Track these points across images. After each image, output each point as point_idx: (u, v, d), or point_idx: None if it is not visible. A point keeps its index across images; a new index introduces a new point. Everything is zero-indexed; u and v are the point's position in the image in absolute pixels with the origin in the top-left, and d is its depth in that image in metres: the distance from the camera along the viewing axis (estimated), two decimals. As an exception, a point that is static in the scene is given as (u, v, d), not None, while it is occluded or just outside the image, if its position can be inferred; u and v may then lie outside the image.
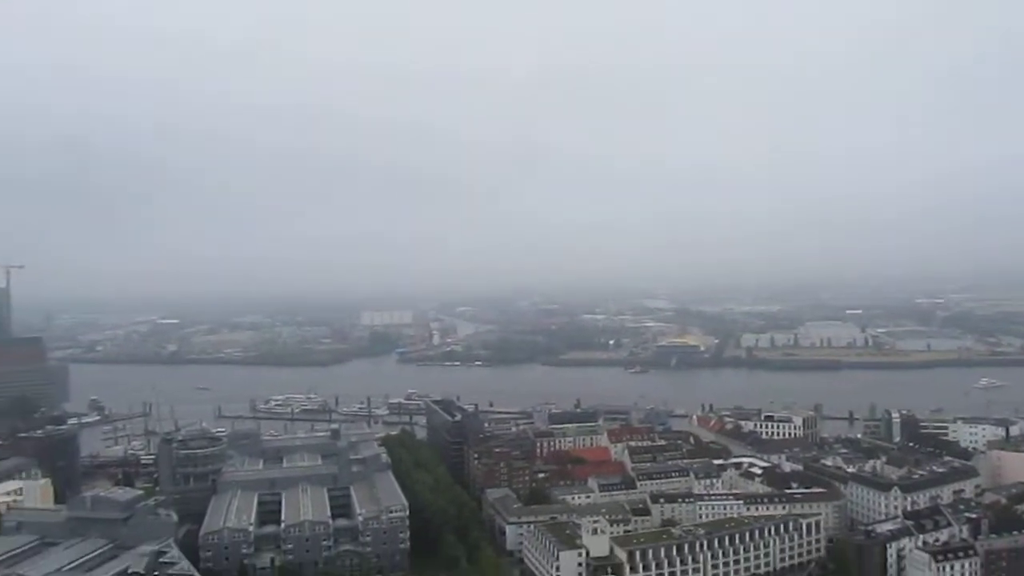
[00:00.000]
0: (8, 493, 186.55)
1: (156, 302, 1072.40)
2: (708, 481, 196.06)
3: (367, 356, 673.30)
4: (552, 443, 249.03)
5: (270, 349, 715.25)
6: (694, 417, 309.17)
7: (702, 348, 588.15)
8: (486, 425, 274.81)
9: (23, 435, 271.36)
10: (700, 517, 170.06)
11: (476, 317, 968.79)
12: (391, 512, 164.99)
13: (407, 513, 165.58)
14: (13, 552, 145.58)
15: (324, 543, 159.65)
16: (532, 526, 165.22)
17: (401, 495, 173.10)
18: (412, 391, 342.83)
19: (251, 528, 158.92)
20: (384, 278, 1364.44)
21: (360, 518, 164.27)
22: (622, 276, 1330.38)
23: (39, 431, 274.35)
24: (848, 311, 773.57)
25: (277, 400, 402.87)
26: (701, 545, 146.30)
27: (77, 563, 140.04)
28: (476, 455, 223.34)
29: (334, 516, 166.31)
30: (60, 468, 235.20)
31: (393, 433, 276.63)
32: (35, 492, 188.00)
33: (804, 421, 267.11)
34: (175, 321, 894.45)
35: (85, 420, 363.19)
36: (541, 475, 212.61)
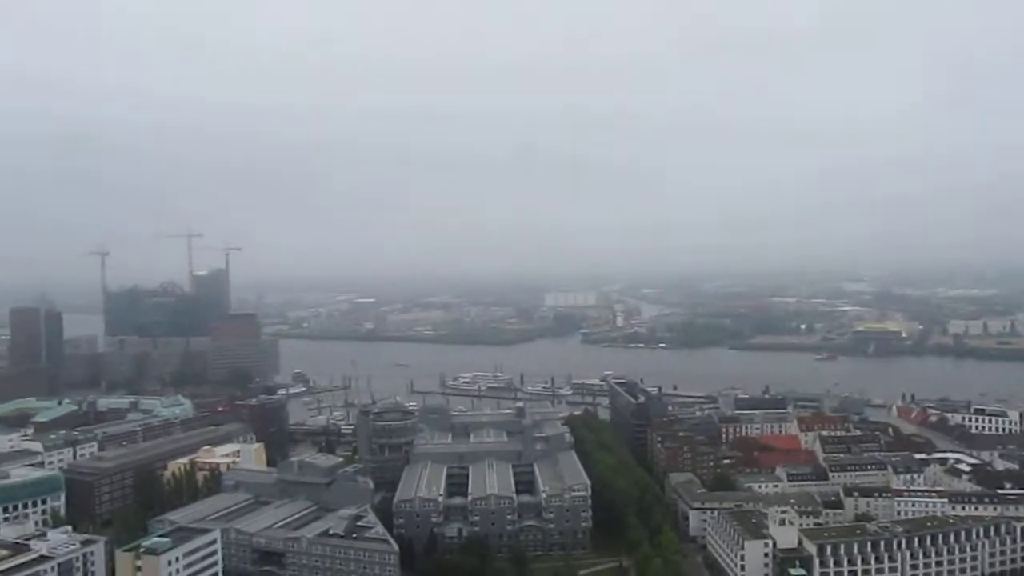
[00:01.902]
0: (228, 455, 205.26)
1: (355, 282, 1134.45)
2: (908, 476, 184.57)
3: (551, 336, 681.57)
4: (738, 429, 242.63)
5: (458, 328, 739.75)
6: (894, 407, 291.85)
7: (904, 334, 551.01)
8: (670, 408, 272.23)
9: (240, 403, 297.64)
10: (898, 514, 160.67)
11: (660, 299, 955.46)
12: (574, 491, 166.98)
13: (589, 493, 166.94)
14: (232, 508, 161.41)
15: (508, 517, 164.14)
16: (716, 513, 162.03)
17: (584, 474, 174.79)
18: (608, 372, 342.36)
19: (440, 499, 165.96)
20: (568, 260, 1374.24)
21: (543, 495, 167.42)
22: (818, 259, 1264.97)
23: (253, 400, 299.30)
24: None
25: (465, 377, 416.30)
26: (899, 543, 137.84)
27: (286, 521, 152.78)
28: (659, 438, 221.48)
29: (518, 492, 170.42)
30: (271, 434, 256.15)
31: (576, 413, 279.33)
32: (250, 455, 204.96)
33: (1021, 416, 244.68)
34: (372, 300, 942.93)
35: (292, 391, 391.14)
36: (726, 461, 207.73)
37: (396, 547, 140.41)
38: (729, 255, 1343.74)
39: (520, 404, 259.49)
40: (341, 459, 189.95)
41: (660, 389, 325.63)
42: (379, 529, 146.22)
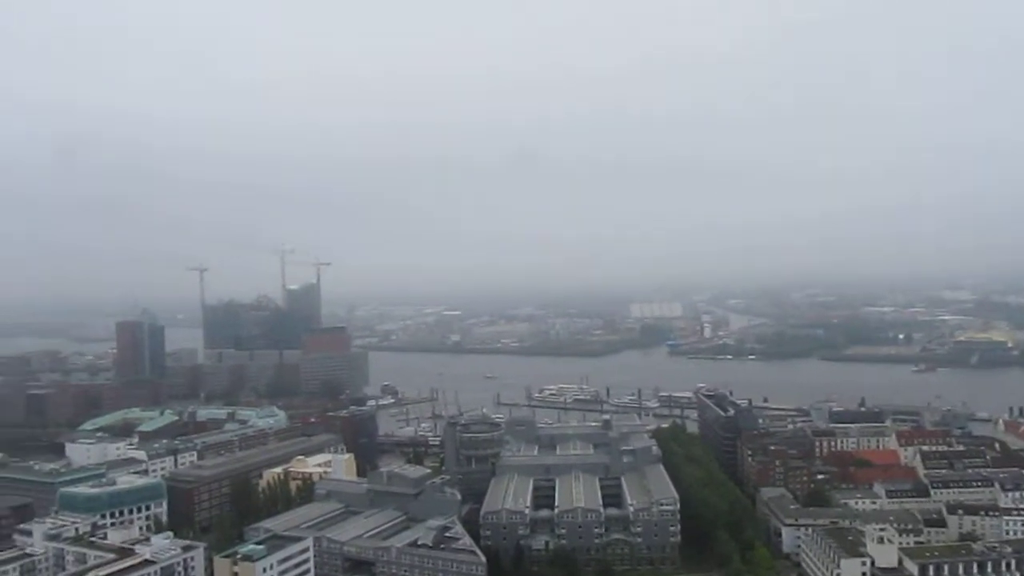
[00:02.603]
0: (320, 465, 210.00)
1: (441, 295, 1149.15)
2: (1018, 494, 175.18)
3: (637, 348, 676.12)
4: (833, 443, 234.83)
5: (544, 340, 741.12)
6: (1000, 421, 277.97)
7: (1009, 344, 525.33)
8: (760, 421, 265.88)
9: (331, 414, 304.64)
10: (1007, 533, 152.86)
11: (748, 309, 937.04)
12: (662, 504, 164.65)
13: (678, 507, 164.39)
14: (324, 517, 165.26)
15: (596, 530, 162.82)
16: (811, 529, 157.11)
17: (672, 488, 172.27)
18: (701, 385, 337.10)
19: (527, 511, 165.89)
20: (653, 271, 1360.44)
21: (631, 508, 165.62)
22: (915, 266, 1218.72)
23: (344, 411, 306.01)
24: None
25: (551, 389, 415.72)
26: (1008, 565, 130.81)
27: (376, 531, 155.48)
28: (750, 452, 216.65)
29: (605, 505, 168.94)
30: (361, 444, 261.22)
31: (664, 426, 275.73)
32: (341, 465, 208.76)
33: None
34: (458, 313, 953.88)
35: (381, 403, 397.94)
36: (820, 476, 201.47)
37: (483, 559, 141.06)
38: (814, 258, 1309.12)
39: (607, 416, 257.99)
40: (429, 470, 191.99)
41: (750, 401, 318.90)
42: (467, 540, 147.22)
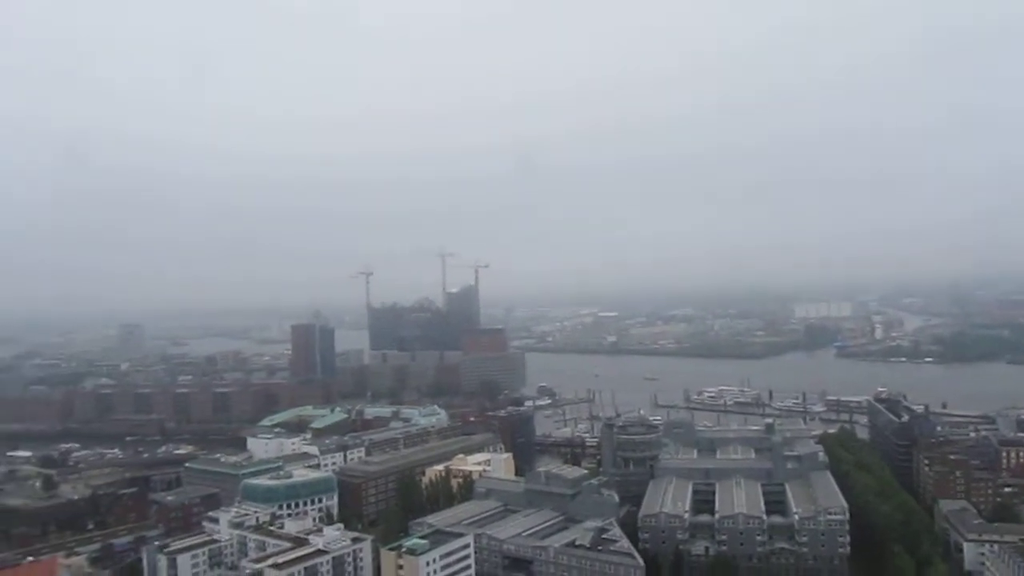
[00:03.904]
0: (479, 463, 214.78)
1: (597, 296, 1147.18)
2: None
3: (802, 349, 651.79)
4: (1022, 454, 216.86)
5: (702, 341, 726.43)
6: None
7: None
8: (938, 428, 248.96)
9: (490, 413, 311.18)
10: None
11: (925, 309, 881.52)
12: (830, 513, 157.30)
13: (847, 516, 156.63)
14: (484, 514, 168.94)
15: (758, 538, 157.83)
16: (997, 546, 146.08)
17: (840, 496, 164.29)
18: (882, 389, 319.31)
19: (686, 515, 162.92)
20: (818, 270, 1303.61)
21: (796, 516, 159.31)
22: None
23: (502, 411, 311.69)
24: None
25: (710, 392, 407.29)
26: None
27: (534, 530, 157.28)
28: (927, 461, 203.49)
29: (768, 512, 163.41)
30: (519, 444, 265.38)
31: (831, 431, 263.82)
32: (500, 464, 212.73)
33: None
34: (614, 314, 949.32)
35: (538, 403, 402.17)
36: (1007, 489, 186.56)
37: (641, 562, 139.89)
38: (996, 254, 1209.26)
39: (769, 420, 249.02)
40: (586, 471, 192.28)
41: (927, 407, 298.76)
42: (624, 543, 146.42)
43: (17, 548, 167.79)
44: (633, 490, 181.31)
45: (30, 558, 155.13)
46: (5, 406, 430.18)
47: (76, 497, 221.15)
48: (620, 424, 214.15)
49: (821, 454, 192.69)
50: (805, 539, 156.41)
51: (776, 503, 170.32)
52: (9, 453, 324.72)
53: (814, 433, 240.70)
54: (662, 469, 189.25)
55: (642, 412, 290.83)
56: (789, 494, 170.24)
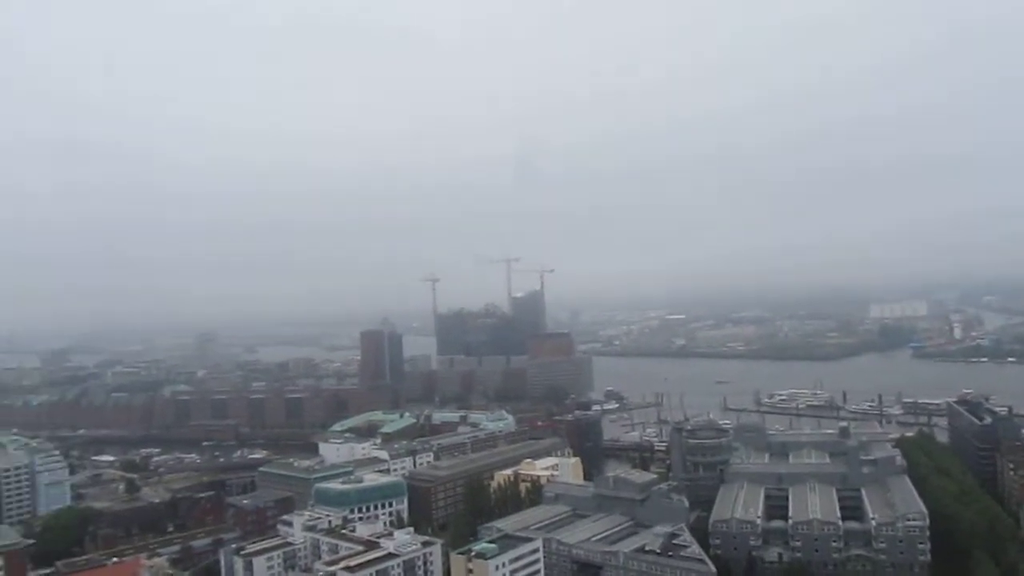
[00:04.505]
0: (547, 468, 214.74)
1: (664, 299, 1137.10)
2: None
3: (876, 351, 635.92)
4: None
5: (772, 343, 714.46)
6: None
7: None
8: (1023, 431, 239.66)
9: (557, 418, 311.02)
10: None
11: (1006, 307, 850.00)
12: (908, 519, 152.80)
13: (927, 522, 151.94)
14: (552, 519, 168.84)
15: (834, 544, 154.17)
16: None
17: (919, 502, 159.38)
18: (968, 391, 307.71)
19: (759, 521, 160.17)
20: (893, 269, 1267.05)
21: (873, 523, 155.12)
22: None
23: (569, 415, 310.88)
24: None
25: (782, 395, 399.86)
26: None
27: (603, 535, 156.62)
28: (1011, 465, 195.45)
29: (843, 518, 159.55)
30: (587, 449, 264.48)
31: (908, 435, 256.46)
32: (568, 469, 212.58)
33: None
34: (681, 317, 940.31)
35: (605, 407, 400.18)
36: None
37: (713, 568, 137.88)
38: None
39: (843, 424, 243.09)
40: (655, 476, 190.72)
41: (1010, 409, 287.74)
42: (695, 549, 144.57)
43: (103, 549, 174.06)
44: (703, 495, 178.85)
45: (115, 559, 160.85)
46: (90, 412, 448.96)
47: (157, 500, 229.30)
48: (689, 428, 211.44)
49: (899, 458, 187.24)
50: (883, 546, 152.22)
51: (852, 509, 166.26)
52: (94, 457, 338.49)
53: (891, 437, 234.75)
54: (733, 474, 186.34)
55: (711, 416, 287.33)
56: (865, 499, 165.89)
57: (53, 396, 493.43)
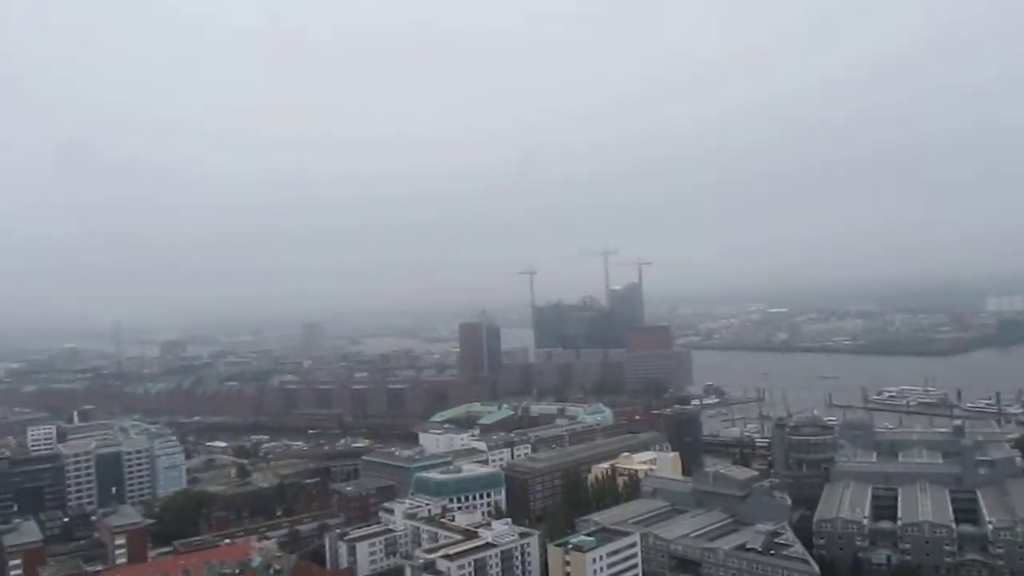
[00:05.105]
0: (645, 462, 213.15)
1: (765, 292, 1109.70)
2: None
3: (994, 346, 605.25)
4: None
5: (881, 337, 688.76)
6: None
7: None
8: None
9: (656, 412, 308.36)
10: None
11: None
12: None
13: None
14: (650, 514, 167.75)
15: (946, 547, 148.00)
16: None
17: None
18: None
19: (866, 521, 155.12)
20: (1012, 259, 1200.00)
21: (990, 526, 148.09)
22: None
23: (668, 409, 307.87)
24: None
25: (891, 391, 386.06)
26: None
27: (702, 531, 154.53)
28: None
29: (957, 520, 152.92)
30: (685, 443, 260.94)
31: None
32: (666, 463, 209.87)
33: None
34: (784, 310, 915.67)
35: (705, 402, 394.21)
36: None
37: (817, 569, 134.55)
38: None
39: (957, 422, 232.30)
40: (756, 472, 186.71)
41: None
42: (798, 548, 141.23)
43: (216, 530, 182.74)
44: (806, 493, 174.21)
45: (227, 540, 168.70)
46: (204, 400, 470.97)
47: (266, 485, 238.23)
48: (792, 424, 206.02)
49: (1019, 459, 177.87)
50: (1000, 551, 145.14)
51: (966, 511, 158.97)
52: (208, 443, 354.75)
53: (1010, 436, 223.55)
54: (839, 472, 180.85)
55: (815, 412, 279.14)
56: (981, 502, 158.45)
57: (170, 384, 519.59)
